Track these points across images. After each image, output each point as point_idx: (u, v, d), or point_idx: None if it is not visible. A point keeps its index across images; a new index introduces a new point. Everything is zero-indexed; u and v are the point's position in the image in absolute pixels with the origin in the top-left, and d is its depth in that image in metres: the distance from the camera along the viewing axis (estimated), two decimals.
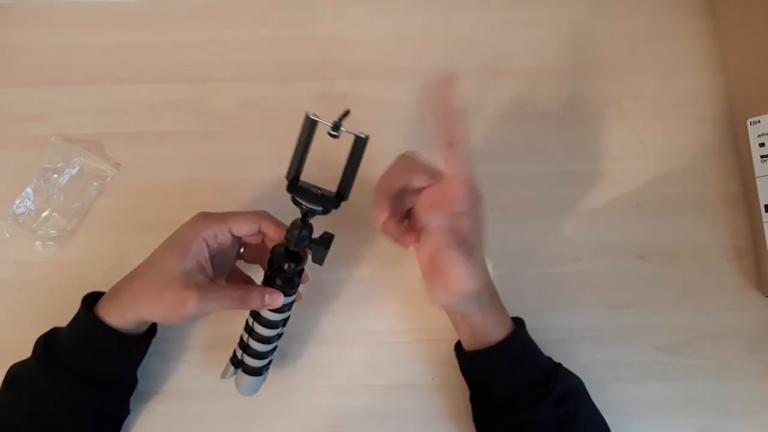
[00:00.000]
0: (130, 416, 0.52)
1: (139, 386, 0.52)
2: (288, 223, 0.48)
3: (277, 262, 0.48)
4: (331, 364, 0.55)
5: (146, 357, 0.52)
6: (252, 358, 0.50)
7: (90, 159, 0.60)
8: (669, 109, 0.62)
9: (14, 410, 0.47)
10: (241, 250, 0.51)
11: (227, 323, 0.56)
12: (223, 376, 0.51)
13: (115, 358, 0.49)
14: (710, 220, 0.59)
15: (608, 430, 0.48)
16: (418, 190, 0.45)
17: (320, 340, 0.56)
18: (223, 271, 0.51)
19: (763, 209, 0.55)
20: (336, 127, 0.45)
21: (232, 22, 0.64)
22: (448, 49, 0.63)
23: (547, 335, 0.55)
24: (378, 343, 0.56)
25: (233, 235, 0.48)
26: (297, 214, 0.47)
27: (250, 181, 0.59)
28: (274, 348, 0.51)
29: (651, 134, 0.61)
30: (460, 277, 0.42)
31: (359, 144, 0.47)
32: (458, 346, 0.52)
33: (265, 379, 0.51)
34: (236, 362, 0.50)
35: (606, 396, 0.54)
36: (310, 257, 0.49)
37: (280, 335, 0.51)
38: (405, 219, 0.47)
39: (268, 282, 0.49)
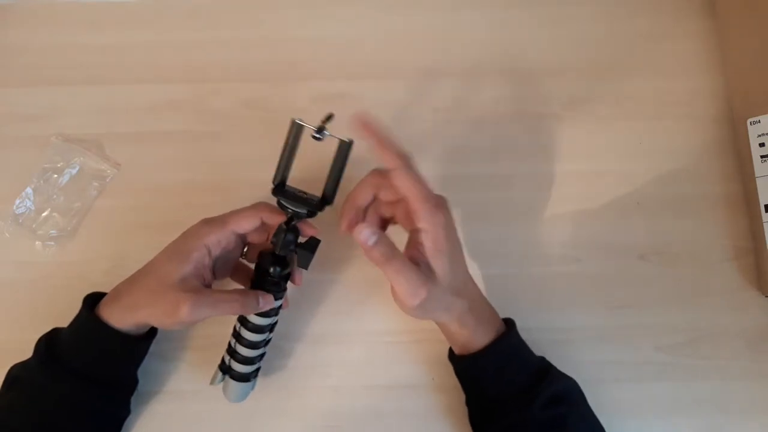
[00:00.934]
0: (130, 416, 0.52)
1: (139, 386, 0.52)
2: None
3: (264, 266, 0.48)
4: (330, 364, 0.55)
5: (146, 357, 0.52)
6: (239, 364, 0.50)
7: (90, 159, 0.60)
8: (669, 109, 0.62)
9: (15, 411, 0.47)
10: (245, 249, 0.51)
11: (227, 324, 0.56)
12: (212, 382, 0.51)
13: (117, 359, 0.49)
14: (710, 220, 0.59)
15: (602, 431, 0.48)
16: (396, 202, 0.47)
17: (320, 340, 0.56)
18: (226, 270, 0.51)
19: (763, 209, 0.55)
20: (320, 130, 0.46)
21: (232, 22, 0.64)
22: (448, 49, 0.63)
23: (547, 335, 0.56)
24: (378, 343, 0.56)
25: (237, 235, 0.48)
26: None
27: (250, 181, 0.59)
28: (262, 355, 0.51)
29: (651, 134, 0.61)
30: (400, 293, 0.42)
31: (343, 148, 0.47)
32: (451, 349, 0.52)
33: (253, 387, 0.52)
34: (224, 368, 0.51)
35: (606, 396, 0.54)
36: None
37: (267, 341, 0.51)
38: (386, 227, 0.49)
39: (255, 287, 0.49)
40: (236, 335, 0.50)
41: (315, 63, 0.63)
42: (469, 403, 0.51)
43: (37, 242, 0.58)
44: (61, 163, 0.59)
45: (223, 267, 0.50)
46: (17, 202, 0.58)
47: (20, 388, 0.47)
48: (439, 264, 0.43)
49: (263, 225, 0.49)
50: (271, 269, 0.48)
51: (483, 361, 0.48)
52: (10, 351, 0.48)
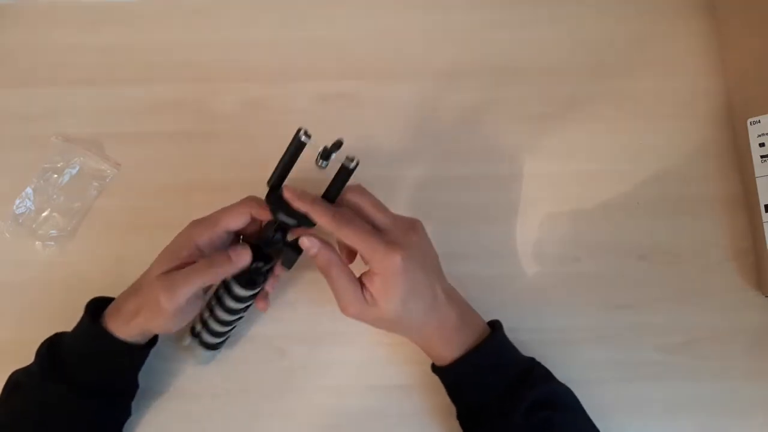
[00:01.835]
0: (131, 417, 0.52)
1: (141, 386, 0.52)
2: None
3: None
4: (331, 364, 0.55)
5: (148, 357, 0.52)
6: (209, 335, 0.51)
7: (90, 159, 0.60)
8: (669, 109, 0.62)
9: (16, 419, 0.46)
10: (240, 239, 0.51)
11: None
12: (180, 342, 0.52)
13: (122, 369, 0.49)
14: (710, 220, 0.59)
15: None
16: None
17: (320, 340, 0.56)
18: None
19: (763, 209, 0.55)
20: (326, 155, 0.45)
21: (232, 22, 0.64)
22: (448, 48, 0.63)
23: (547, 335, 0.56)
24: (378, 344, 0.56)
25: (229, 232, 0.48)
26: None
27: (250, 181, 0.59)
28: (232, 329, 0.53)
29: (651, 134, 0.61)
30: (340, 303, 0.45)
31: (344, 173, 0.47)
32: None
33: (218, 352, 0.54)
34: (194, 333, 0.52)
35: (606, 396, 0.54)
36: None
37: (239, 318, 0.52)
38: None
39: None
40: (210, 309, 0.51)
41: (315, 63, 0.63)
42: (457, 409, 0.51)
43: (37, 242, 0.58)
44: (61, 163, 0.59)
45: None
46: (17, 202, 0.58)
47: (22, 395, 0.47)
48: (383, 305, 0.44)
49: (255, 219, 0.49)
50: (253, 264, 0.48)
51: (457, 371, 0.48)
52: (9, 351, 0.48)
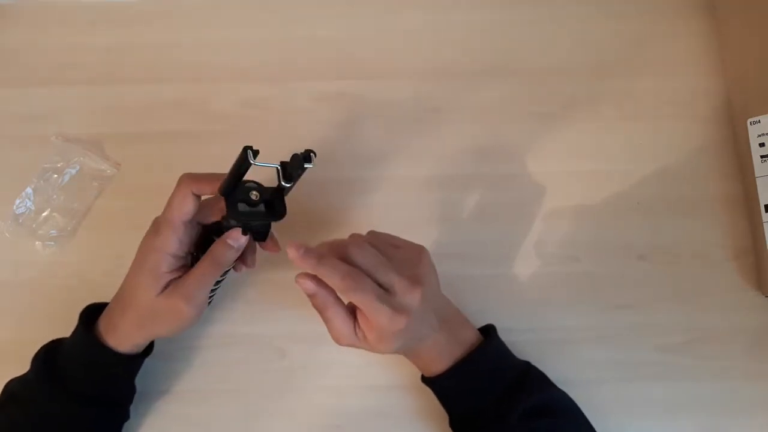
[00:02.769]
0: (131, 418, 0.52)
1: (140, 386, 0.52)
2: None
3: (210, 231, 0.47)
4: (331, 364, 0.55)
5: (147, 357, 0.51)
6: None
7: (90, 159, 0.60)
8: (669, 109, 0.62)
9: (14, 429, 0.46)
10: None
11: (227, 323, 0.56)
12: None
13: (117, 378, 0.49)
14: (710, 220, 0.59)
15: None
16: None
17: (320, 340, 0.56)
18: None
19: (763, 209, 0.55)
20: (287, 176, 0.43)
21: (232, 22, 0.64)
22: (448, 48, 0.63)
23: (547, 335, 0.56)
24: None
25: (188, 219, 0.46)
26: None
27: None
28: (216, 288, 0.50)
29: (651, 134, 0.61)
30: (331, 335, 0.45)
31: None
32: None
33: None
34: None
35: (606, 396, 0.54)
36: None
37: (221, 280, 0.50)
38: None
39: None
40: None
41: (315, 63, 0.63)
42: (449, 418, 0.51)
43: (37, 242, 0.58)
44: (61, 163, 0.59)
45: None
46: (17, 202, 0.58)
47: (19, 405, 0.47)
48: (375, 348, 0.44)
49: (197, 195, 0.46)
50: (215, 237, 0.47)
51: (444, 383, 0.48)
52: (9, 351, 0.48)
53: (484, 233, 0.58)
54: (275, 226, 0.47)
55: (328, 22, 0.64)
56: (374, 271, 0.43)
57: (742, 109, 0.59)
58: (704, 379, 0.55)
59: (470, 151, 0.61)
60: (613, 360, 0.55)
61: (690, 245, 0.58)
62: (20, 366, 0.48)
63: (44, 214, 0.58)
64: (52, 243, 0.58)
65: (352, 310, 0.45)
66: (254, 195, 0.45)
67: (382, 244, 0.46)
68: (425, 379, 0.50)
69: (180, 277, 0.46)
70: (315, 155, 0.42)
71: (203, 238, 0.48)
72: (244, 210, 0.45)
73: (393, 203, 0.59)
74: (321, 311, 0.44)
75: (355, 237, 0.47)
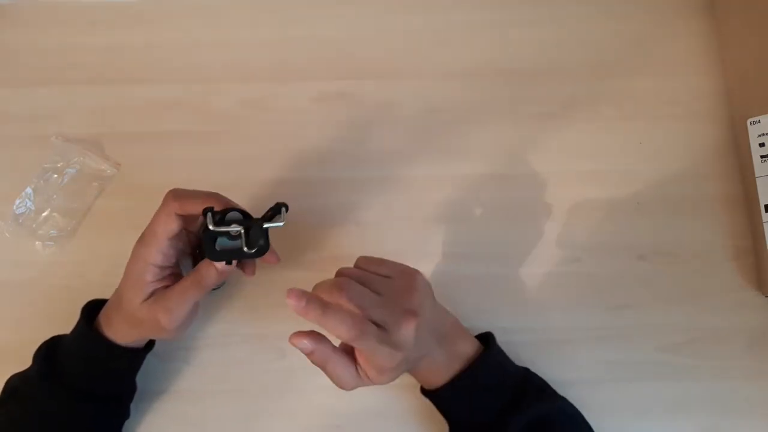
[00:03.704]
0: (130, 417, 0.52)
1: (140, 386, 0.52)
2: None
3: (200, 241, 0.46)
4: None
5: (147, 357, 0.52)
6: None
7: (90, 159, 0.60)
8: (669, 109, 0.62)
9: (14, 424, 0.46)
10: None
11: (227, 323, 0.56)
12: None
13: (119, 373, 0.49)
14: (710, 220, 0.59)
15: None
16: None
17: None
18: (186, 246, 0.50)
19: (763, 209, 0.55)
20: (251, 244, 0.43)
21: (232, 22, 0.64)
22: (448, 48, 0.63)
23: (547, 335, 0.56)
24: None
25: (178, 234, 0.46)
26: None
27: (249, 181, 0.59)
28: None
29: (651, 134, 0.61)
30: (335, 383, 0.45)
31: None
32: None
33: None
34: None
35: (606, 396, 0.54)
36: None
37: None
38: None
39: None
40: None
41: (315, 63, 0.63)
42: (449, 427, 0.50)
43: (37, 242, 0.58)
44: (61, 163, 0.59)
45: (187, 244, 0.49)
46: (17, 202, 0.58)
47: (19, 401, 0.47)
48: (377, 381, 0.44)
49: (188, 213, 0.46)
50: (197, 250, 0.48)
51: (443, 396, 0.48)
52: (9, 351, 0.48)
53: (484, 233, 0.58)
54: (274, 230, 0.47)
55: (328, 22, 0.64)
56: (369, 313, 0.42)
57: (742, 109, 0.59)
58: (704, 379, 0.55)
59: (470, 151, 0.61)
60: (613, 360, 0.55)
61: (690, 245, 0.58)
62: (20, 366, 0.48)
63: (44, 214, 0.58)
64: (52, 243, 0.58)
65: (349, 352, 0.44)
66: (234, 231, 0.43)
67: (372, 278, 0.45)
68: (424, 391, 0.50)
69: (167, 286, 0.46)
70: (287, 209, 0.41)
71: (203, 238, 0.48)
72: (221, 248, 0.44)
73: (393, 203, 0.59)
74: (322, 366, 0.43)
75: (342, 272, 0.47)
